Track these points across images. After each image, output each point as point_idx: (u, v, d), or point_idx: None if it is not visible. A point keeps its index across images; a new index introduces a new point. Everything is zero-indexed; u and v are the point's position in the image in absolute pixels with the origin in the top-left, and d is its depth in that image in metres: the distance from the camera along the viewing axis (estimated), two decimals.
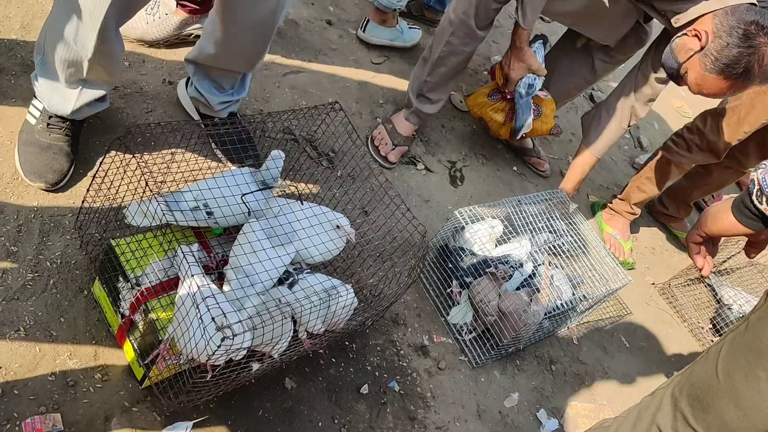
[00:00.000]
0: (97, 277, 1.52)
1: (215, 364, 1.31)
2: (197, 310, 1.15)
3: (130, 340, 1.45)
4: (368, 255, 1.96)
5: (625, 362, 2.34)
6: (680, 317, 2.67)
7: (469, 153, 2.69)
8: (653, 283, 2.75)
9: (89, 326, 1.54)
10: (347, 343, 1.85)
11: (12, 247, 1.57)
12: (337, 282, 1.52)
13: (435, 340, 2.01)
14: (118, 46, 1.60)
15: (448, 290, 2.06)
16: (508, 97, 2.36)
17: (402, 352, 1.93)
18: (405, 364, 1.91)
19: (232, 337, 1.13)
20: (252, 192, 1.41)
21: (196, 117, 1.96)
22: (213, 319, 1.13)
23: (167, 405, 1.43)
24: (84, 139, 1.82)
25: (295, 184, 2.05)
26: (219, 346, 1.13)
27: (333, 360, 1.80)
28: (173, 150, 1.77)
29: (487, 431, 1.89)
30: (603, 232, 2.77)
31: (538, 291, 1.98)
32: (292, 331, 1.36)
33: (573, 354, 2.25)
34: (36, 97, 1.71)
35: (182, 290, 1.31)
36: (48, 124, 1.70)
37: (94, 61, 1.54)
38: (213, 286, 1.32)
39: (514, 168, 2.81)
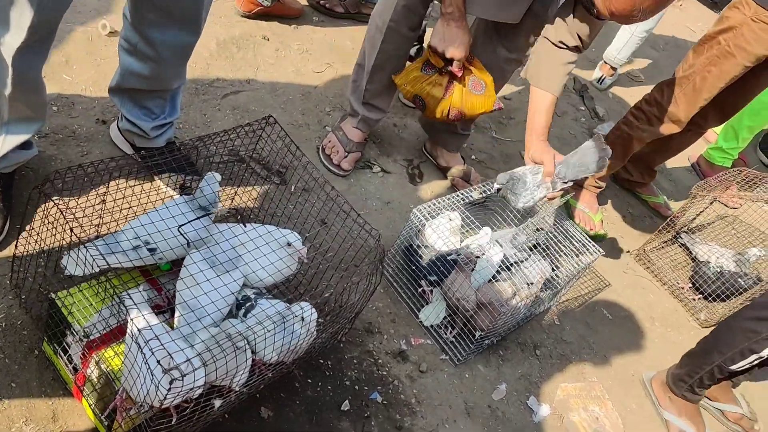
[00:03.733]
0: (45, 335, 1.44)
1: (178, 405, 1.25)
2: (142, 355, 1.09)
3: (86, 395, 1.38)
4: (327, 268, 1.90)
5: (609, 335, 2.31)
6: (659, 281, 2.64)
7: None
8: (628, 251, 2.73)
9: (44, 387, 1.46)
10: (321, 360, 1.79)
11: None
12: (284, 306, 1.44)
13: (413, 343, 1.96)
14: (39, 77, 1.52)
15: (420, 290, 2.01)
16: (446, 69, 2.08)
17: (380, 361, 1.87)
18: (385, 373, 1.85)
19: (181, 378, 1.07)
20: (190, 222, 1.35)
21: (130, 153, 1.89)
22: (158, 362, 1.06)
23: None
24: (17, 192, 1.74)
25: (243, 205, 1.99)
26: (168, 390, 1.06)
27: (309, 381, 1.74)
28: (111, 189, 1.70)
29: (478, 428, 1.84)
30: (571, 207, 2.74)
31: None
32: (250, 360, 1.30)
33: (556, 335, 2.20)
34: None
35: (128, 336, 1.24)
36: None
37: (16, 96, 1.46)
38: (160, 326, 1.25)
39: (473, 157, 2.77)
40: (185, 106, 2.28)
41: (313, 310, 1.36)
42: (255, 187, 2.10)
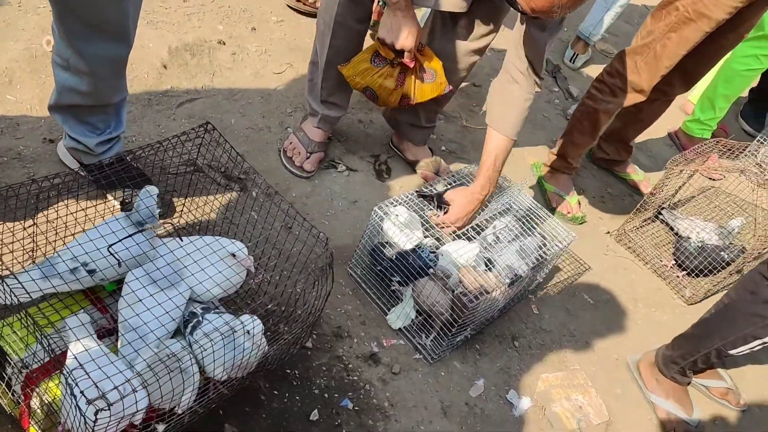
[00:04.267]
0: None
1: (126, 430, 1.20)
2: (68, 386, 1.03)
3: (33, 427, 1.32)
4: (279, 276, 1.83)
5: (591, 320, 2.25)
6: (641, 260, 2.58)
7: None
8: (608, 232, 2.66)
9: None
10: (288, 370, 1.73)
11: None
12: (231, 317, 1.38)
13: (385, 344, 1.90)
14: None
15: (391, 289, 1.95)
16: (397, 61, 1.99)
17: (351, 365, 1.81)
18: (356, 378, 1.79)
19: (107, 408, 1.01)
20: (121, 240, 1.28)
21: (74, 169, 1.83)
22: (82, 392, 1.00)
23: None
24: None
25: (201, 216, 1.93)
26: (95, 421, 1.00)
27: (275, 392, 1.68)
28: (50, 209, 1.64)
29: (455, 427, 1.78)
30: (547, 192, 2.68)
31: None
32: (196, 378, 1.24)
33: (535, 324, 2.14)
34: None
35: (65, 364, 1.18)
36: None
37: None
38: (97, 350, 1.19)
39: (443, 148, 2.71)
40: (138, 118, 2.21)
41: (258, 321, 1.30)
42: (214, 197, 2.04)
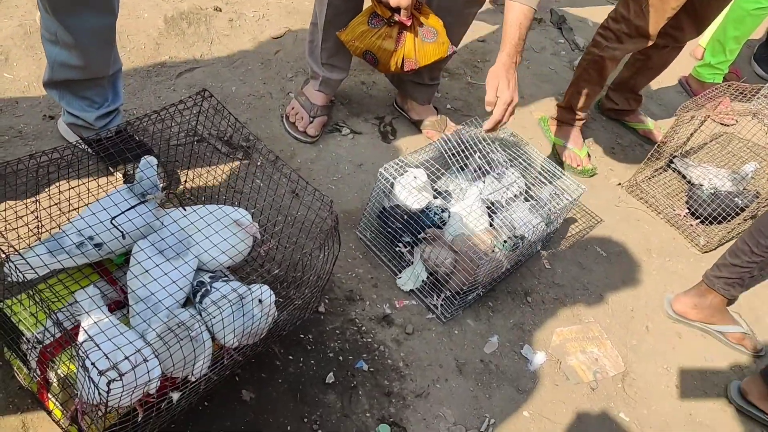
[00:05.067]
0: (4, 344, 1.40)
1: (144, 399, 1.21)
2: (80, 358, 1.03)
3: (52, 401, 1.33)
4: (285, 242, 1.82)
5: (604, 273, 2.23)
6: (654, 210, 2.54)
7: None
8: (619, 184, 2.62)
9: (11, 396, 1.42)
10: (302, 335, 1.74)
11: None
12: (238, 285, 1.38)
13: (397, 306, 1.90)
14: None
15: (398, 250, 1.94)
16: (394, 20, 1.95)
17: (364, 328, 1.82)
18: (369, 340, 1.79)
19: (119, 378, 1.01)
20: (124, 212, 1.27)
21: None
22: (93, 364, 1.01)
23: None
24: None
25: (206, 185, 1.91)
26: (108, 391, 1.01)
27: (290, 357, 1.69)
28: (53, 185, 1.63)
29: (471, 384, 1.79)
30: (555, 145, 2.64)
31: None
32: (208, 346, 1.24)
33: (548, 279, 2.13)
34: None
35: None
36: None
37: None
38: (107, 321, 1.19)
39: (448, 106, 2.67)
40: (137, 90, 2.19)
41: (271, 291, 1.30)
42: (220, 165, 2.03)
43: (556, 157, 2.61)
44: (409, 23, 1.93)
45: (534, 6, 1.85)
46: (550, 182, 2.06)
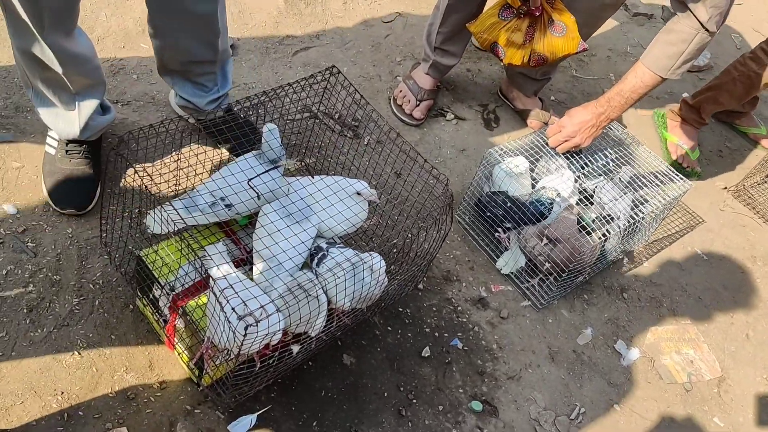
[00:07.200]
0: (137, 290, 1.53)
1: (261, 352, 1.31)
2: (219, 304, 1.13)
3: (178, 345, 1.46)
4: (398, 216, 1.89)
5: (705, 276, 2.18)
6: (761, 217, 2.46)
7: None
8: (725, 188, 2.55)
9: (140, 339, 1.56)
10: (400, 309, 1.81)
11: (54, 276, 1.60)
12: (353, 253, 1.45)
13: (493, 290, 1.94)
14: (80, 47, 1.55)
15: (496, 235, 1.97)
16: (525, 11, 1.96)
17: (460, 308, 1.87)
18: (465, 320, 1.85)
19: (255, 324, 1.10)
20: (259, 175, 1.37)
21: (192, 121, 1.93)
22: (233, 309, 1.10)
23: (227, 402, 1.43)
24: (106, 158, 1.84)
25: (317, 160, 2.01)
26: (245, 335, 1.10)
27: (389, 328, 1.76)
28: (183, 150, 1.76)
29: (563, 372, 1.81)
30: (667, 141, 2.58)
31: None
32: (324, 307, 1.32)
33: (645, 277, 2.11)
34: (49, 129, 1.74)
35: (210, 288, 1.30)
36: (66, 151, 1.72)
37: (69, 71, 1.52)
38: (235, 275, 1.30)
39: (552, 98, 2.66)
40: (257, 66, 2.31)
41: (382, 260, 1.37)
42: (329, 142, 2.12)
43: (666, 153, 2.56)
44: (538, 13, 1.95)
45: (663, 75, 1.82)
46: (656, 177, 2.03)
